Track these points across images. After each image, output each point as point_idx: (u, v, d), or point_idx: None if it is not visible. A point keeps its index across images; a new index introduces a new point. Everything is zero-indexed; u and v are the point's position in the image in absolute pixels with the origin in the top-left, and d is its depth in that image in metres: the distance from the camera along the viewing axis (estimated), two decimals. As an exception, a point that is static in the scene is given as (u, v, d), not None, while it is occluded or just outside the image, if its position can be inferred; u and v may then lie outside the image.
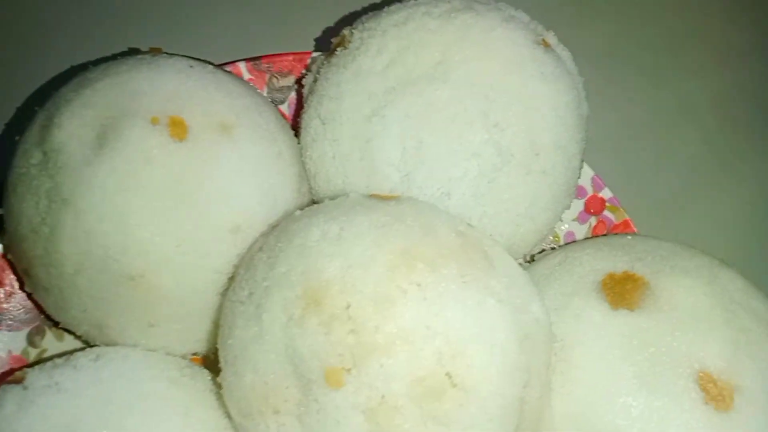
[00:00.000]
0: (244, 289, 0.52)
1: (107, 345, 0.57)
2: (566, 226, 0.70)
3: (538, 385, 0.51)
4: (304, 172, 0.63)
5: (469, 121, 0.57)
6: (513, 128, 0.57)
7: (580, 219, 0.69)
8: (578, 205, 0.69)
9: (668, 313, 0.52)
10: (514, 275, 0.52)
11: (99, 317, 0.56)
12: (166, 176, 0.53)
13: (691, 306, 0.52)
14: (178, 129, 0.54)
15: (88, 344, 0.60)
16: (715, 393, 0.49)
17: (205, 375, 0.57)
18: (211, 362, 0.59)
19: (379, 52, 0.59)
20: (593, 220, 0.69)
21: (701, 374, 0.50)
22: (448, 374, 0.47)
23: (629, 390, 0.50)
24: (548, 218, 0.61)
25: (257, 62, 0.69)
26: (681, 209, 0.74)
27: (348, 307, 0.46)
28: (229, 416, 0.54)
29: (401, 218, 0.50)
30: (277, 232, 0.53)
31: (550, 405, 0.53)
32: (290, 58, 0.69)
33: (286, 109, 0.71)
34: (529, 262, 0.66)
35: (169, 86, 0.56)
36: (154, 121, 0.53)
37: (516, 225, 0.60)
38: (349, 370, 0.46)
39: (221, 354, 0.53)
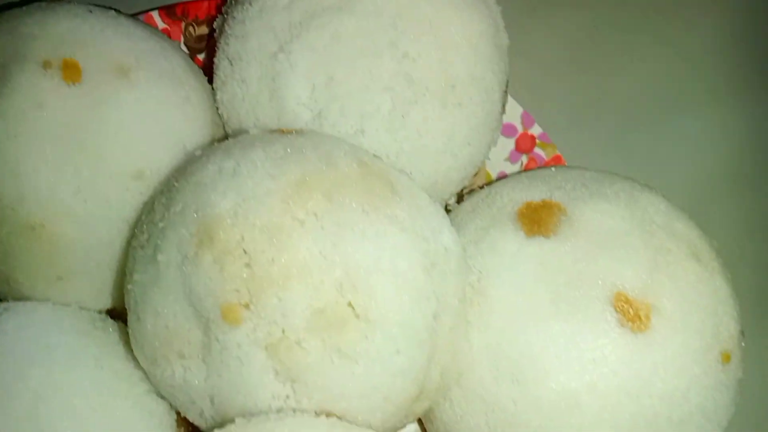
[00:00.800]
0: (144, 233, 0.50)
1: (19, 301, 0.56)
2: (498, 168, 0.68)
3: (451, 316, 0.50)
4: (219, 120, 0.61)
5: (377, 53, 0.55)
6: (424, 59, 0.55)
7: (512, 158, 0.68)
8: (509, 144, 0.67)
9: (584, 238, 0.50)
10: (421, 205, 0.50)
11: (5, 271, 0.54)
12: (60, 120, 0.51)
13: (607, 229, 0.51)
14: (71, 72, 0.52)
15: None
16: (631, 314, 0.48)
17: (119, 327, 0.56)
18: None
19: (283, -14, 0.57)
20: (524, 159, 0.67)
21: (617, 296, 0.48)
22: (350, 304, 0.45)
23: (544, 316, 0.49)
24: (470, 154, 0.59)
25: (171, 10, 0.67)
26: (617, 145, 0.72)
27: (241, 240, 0.45)
28: (141, 368, 0.53)
29: (299, 150, 0.48)
30: (176, 173, 0.51)
31: (468, 338, 0.51)
32: (205, 4, 0.67)
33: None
34: (458, 202, 0.64)
35: (62, 30, 0.53)
36: (46, 65, 0.51)
37: (436, 161, 0.58)
38: (246, 306, 0.45)
39: (125, 301, 0.51)
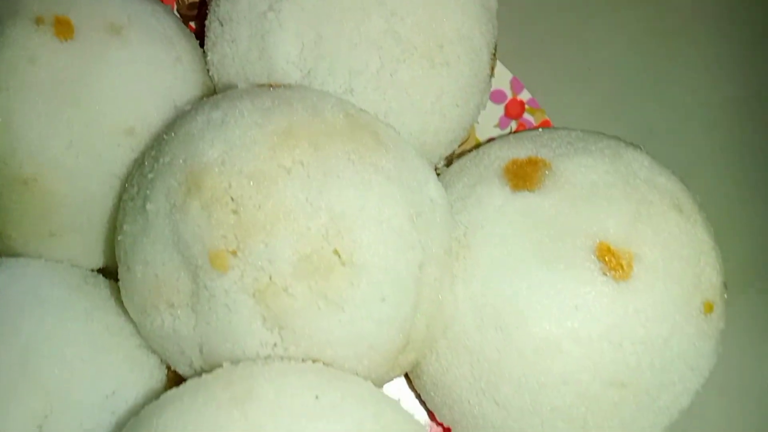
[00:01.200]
0: (134, 186, 0.51)
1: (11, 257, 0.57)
2: (487, 134, 0.69)
3: (436, 267, 0.50)
4: (210, 82, 0.62)
5: (365, 11, 0.55)
6: (412, 17, 0.56)
7: (501, 124, 0.68)
8: (498, 111, 0.68)
9: (567, 191, 0.51)
10: (407, 157, 0.51)
11: (-2, 228, 0.55)
12: (52, 76, 0.52)
13: (590, 183, 0.51)
14: (63, 28, 0.52)
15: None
16: (613, 263, 0.48)
17: (111, 285, 0.57)
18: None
19: (272, -53, 0.58)
20: (513, 125, 0.68)
21: (599, 246, 0.49)
22: (335, 251, 0.46)
23: (527, 267, 0.50)
24: (459, 114, 0.60)
25: (164, -23, 0.68)
26: (606, 111, 0.72)
27: (228, 187, 0.45)
28: (133, 322, 0.54)
29: (287, 101, 0.49)
30: (165, 127, 0.52)
31: (453, 291, 0.52)
32: (197, -29, 0.68)
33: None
34: (447, 166, 0.65)
35: (55, -12, 0.55)
36: (39, 21, 0.52)
37: (425, 121, 0.58)
38: (233, 253, 0.45)
39: (116, 253, 0.52)
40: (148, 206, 0.48)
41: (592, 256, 0.48)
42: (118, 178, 0.55)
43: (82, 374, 0.50)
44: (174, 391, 0.45)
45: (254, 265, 0.45)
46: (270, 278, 0.45)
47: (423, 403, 0.59)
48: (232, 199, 0.45)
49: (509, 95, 0.68)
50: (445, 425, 0.57)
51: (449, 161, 0.65)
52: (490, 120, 0.68)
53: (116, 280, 0.55)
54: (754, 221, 0.70)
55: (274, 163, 0.46)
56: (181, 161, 0.47)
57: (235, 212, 0.45)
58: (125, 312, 0.54)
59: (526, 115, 0.68)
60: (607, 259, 0.48)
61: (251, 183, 0.45)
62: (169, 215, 0.47)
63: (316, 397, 0.44)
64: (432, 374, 0.54)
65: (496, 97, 0.68)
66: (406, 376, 0.61)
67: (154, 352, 0.54)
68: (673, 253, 0.49)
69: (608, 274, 0.48)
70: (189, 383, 0.45)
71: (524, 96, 0.68)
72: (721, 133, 0.73)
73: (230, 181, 0.45)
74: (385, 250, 0.47)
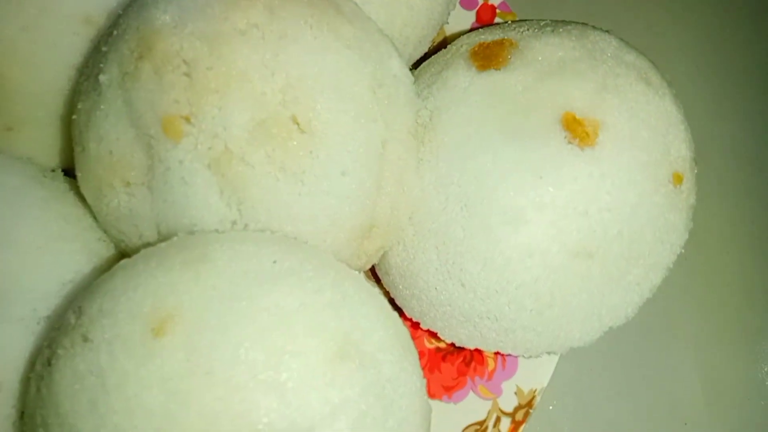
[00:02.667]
0: (88, 66, 0.50)
1: (-32, 157, 0.55)
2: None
3: (401, 146, 0.49)
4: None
5: None
6: None
7: (473, 31, 0.67)
8: (470, 17, 0.67)
9: (534, 67, 0.50)
10: (369, 30, 0.49)
11: (-48, 122, 0.54)
12: (4, -44, 0.51)
13: (557, 59, 0.50)
14: None
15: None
16: (579, 131, 0.47)
17: (69, 180, 0.55)
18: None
19: None
20: (485, 30, 0.67)
21: (564, 116, 0.47)
22: (293, 118, 0.44)
23: (493, 142, 0.48)
24: (427, 9, 0.59)
25: None
26: (581, 16, 0.71)
27: (180, 50, 0.44)
28: (92, 214, 0.52)
29: (243, -29, 0.48)
30: (122, 6, 0.51)
31: (419, 176, 0.51)
32: None
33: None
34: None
35: None
36: None
37: (391, 12, 0.57)
38: (187, 119, 0.44)
39: (71, 135, 0.50)
40: (101, 78, 0.46)
41: (558, 126, 0.47)
42: (75, 69, 0.53)
43: (36, 261, 0.49)
44: (126, 260, 0.44)
45: (208, 132, 0.44)
46: (225, 146, 0.44)
47: (392, 301, 0.58)
48: (185, 61, 0.44)
49: (480, 0, 0.67)
50: (414, 320, 0.56)
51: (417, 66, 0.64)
52: (461, 27, 0.67)
53: (75, 178, 0.55)
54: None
55: (227, 24, 0.44)
56: (134, 30, 0.46)
57: (187, 75, 0.44)
58: (84, 205, 0.52)
59: (498, 20, 0.66)
60: (572, 128, 0.47)
61: (204, 45, 0.44)
62: (121, 84, 0.45)
63: (274, 262, 0.42)
64: (399, 265, 0.53)
65: (468, 3, 0.67)
66: (377, 279, 0.60)
67: (115, 246, 0.53)
68: (640, 122, 0.47)
69: (573, 142, 0.47)
70: (142, 251, 0.44)
71: (495, 0, 0.67)
72: (697, 48, 0.72)
73: (182, 43, 0.44)
74: (345, 119, 0.45)
